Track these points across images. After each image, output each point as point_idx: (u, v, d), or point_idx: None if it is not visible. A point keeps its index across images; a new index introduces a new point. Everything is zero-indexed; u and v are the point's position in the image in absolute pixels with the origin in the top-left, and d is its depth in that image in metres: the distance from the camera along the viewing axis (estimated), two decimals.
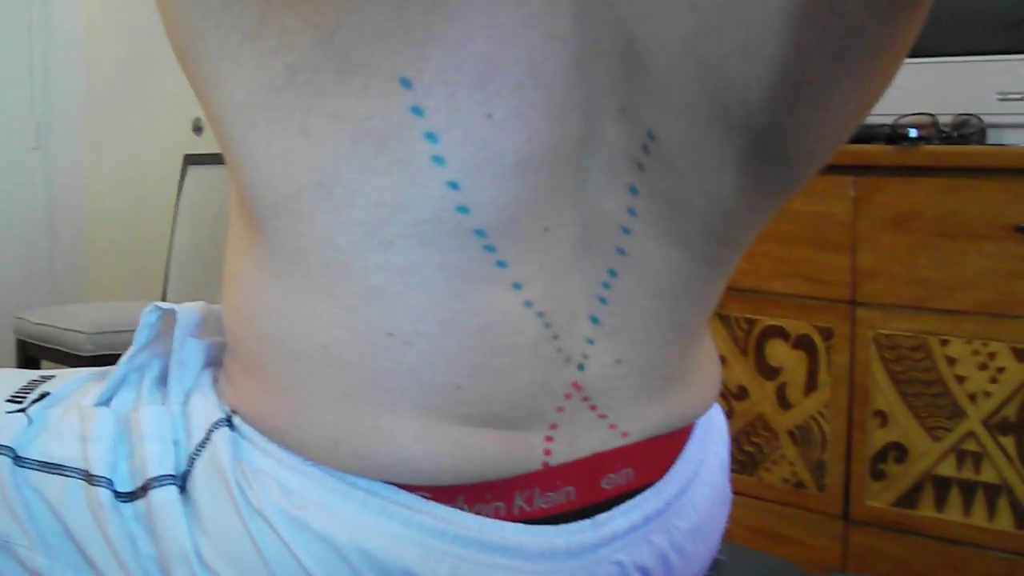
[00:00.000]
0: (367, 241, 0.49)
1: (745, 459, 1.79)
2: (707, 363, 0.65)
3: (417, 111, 0.46)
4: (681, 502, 0.62)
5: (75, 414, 0.59)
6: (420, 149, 0.47)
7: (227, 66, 0.48)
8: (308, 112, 0.47)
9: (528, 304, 0.52)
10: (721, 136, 0.52)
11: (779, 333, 1.74)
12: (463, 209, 0.48)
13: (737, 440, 1.79)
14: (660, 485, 0.61)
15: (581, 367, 0.56)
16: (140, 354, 0.62)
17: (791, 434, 1.73)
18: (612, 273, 0.55)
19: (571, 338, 0.55)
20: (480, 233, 0.49)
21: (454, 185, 0.48)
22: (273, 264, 0.52)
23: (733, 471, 1.78)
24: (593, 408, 0.57)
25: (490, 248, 0.50)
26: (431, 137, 0.47)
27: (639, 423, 0.59)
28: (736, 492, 1.76)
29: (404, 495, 0.53)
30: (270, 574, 0.52)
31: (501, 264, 0.51)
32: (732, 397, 1.79)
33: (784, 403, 1.74)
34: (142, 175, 3.43)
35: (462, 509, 0.54)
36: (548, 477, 0.57)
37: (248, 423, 0.55)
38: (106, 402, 0.60)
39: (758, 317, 1.77)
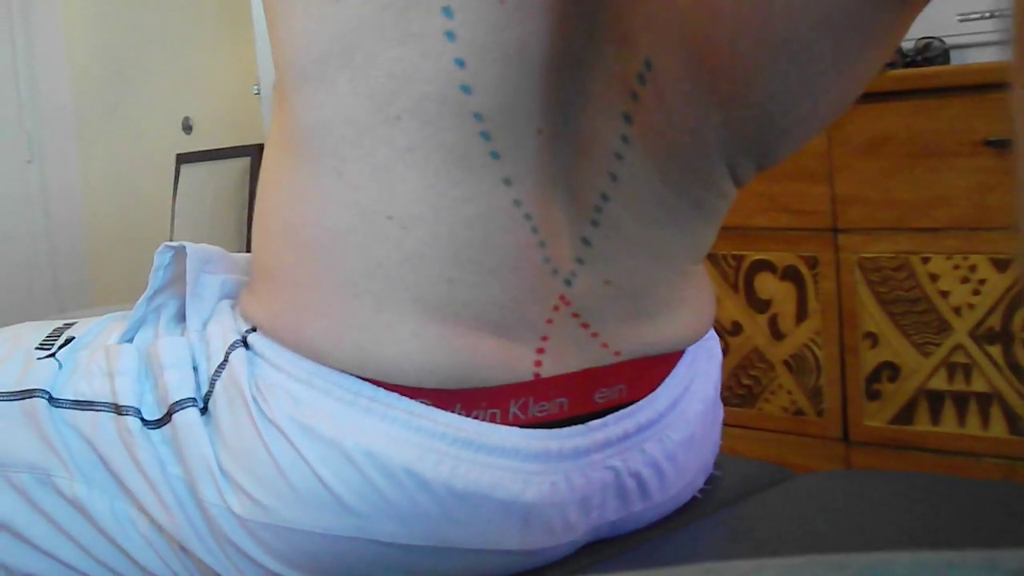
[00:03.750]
0: (377, 114, 0.52)
1: (744, 392, 1.84)
2: (700, 297, 0.67)
3: None
4: (673, 414, 0.64)
5: (101, 353, 0.62)
6: (436, 23, 0.50)
7: None
8: None
9: (517, 203, 0.55)
10: (709, 78, 0.54)
11: (767, 266, 1.79)
12: (466, 88, 0.51)
13: (735, 374, 1.84)
14: (652, 398, 0.63)
15: (569, 283, 0.58)
16: (157, 295, 0.64)
17: (786, 364, 1.77)
18: (604, 197, 0.57)
19: (559, 251, 0.57)
20: (478, 117, 0.52)
21: (461, 63, 0.51)
22: (295, 143, 0.55)
23: (733, 405, 1.83)
24: (585, 326, 0.59)
25: (486, 136, 0.53)
26: (447, 12, 0.50)
27: (630, 344, 0.61)
28: (738, 425, 1.83)
29: (406, 401, 0.55)
30: (284, 478, 0.55)
31: (495, 155, 0.53)
32: (727, 333, 1.83)
33: (777, 334, 1.78)
34: (136, 178, 3.46)
35: (460, 415, 0.57)
36: (542, 387, 0.59)
37: (263, 330, 0.58)
38: (129, 340, 0.63)
39: (745, 253, 1.81)
